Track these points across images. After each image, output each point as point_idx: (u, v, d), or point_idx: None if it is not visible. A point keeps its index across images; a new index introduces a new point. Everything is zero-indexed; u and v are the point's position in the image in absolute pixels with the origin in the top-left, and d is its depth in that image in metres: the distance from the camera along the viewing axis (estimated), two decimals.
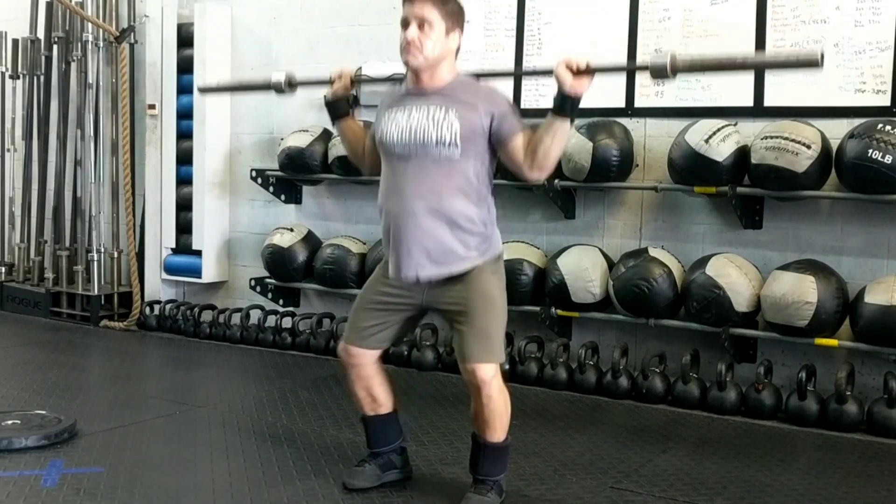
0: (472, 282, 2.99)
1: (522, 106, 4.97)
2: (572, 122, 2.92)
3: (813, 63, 2.65)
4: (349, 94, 3.32)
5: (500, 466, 3.10)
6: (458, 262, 2.98)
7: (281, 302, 5.84)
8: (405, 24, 2.93)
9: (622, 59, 4.74)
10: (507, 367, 4.57)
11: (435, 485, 3.30)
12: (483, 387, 2.93)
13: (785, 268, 4.24)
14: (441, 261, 2.97)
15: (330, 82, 3.29)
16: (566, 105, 2.86)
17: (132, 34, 6.32)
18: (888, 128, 3.97)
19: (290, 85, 3.46)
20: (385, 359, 5.11)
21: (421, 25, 2.90)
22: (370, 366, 3.17)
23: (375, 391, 3.21)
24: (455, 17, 2.97)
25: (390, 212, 3.02)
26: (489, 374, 2.93)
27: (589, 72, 2.84)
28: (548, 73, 2.93)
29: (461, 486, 3.26)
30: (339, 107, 3.31)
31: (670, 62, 2.77)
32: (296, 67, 5.83)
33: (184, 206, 6.16)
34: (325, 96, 3.33)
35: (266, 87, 3.52)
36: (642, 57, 4.62)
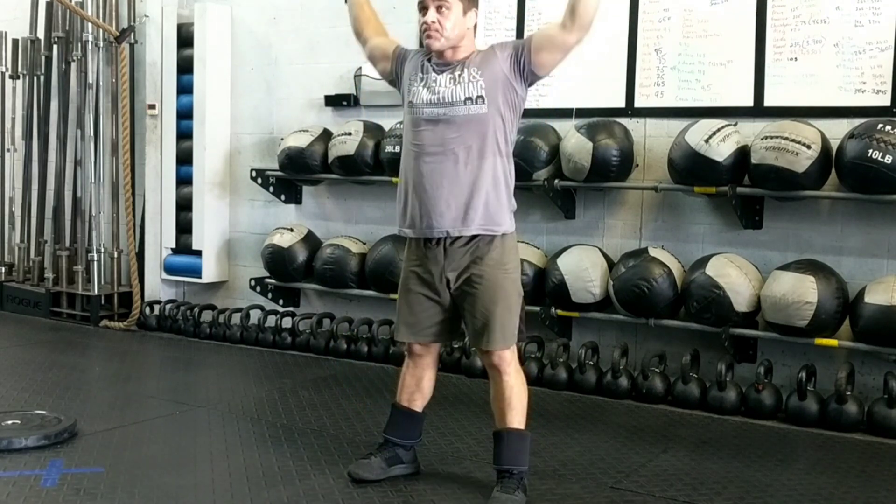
0: (491, 268, 3.09)
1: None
2: None
3: None
4: None
5: (523, 456, 3.13)
6: (490, 222, 3.08)
7: (281, 302, 5.84)
8: (423, 8, 3.04)
9: (623, 59, 4.76)
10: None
11: (434, 485, 3.29)
12: (502, 365, 3.08)
13: (785, 268, 4.24)
14: (473, 219, 3.06)
15: None
16: None
17: (132, 34, 6.31)
18: (888, 128, 3.97)
19: None
20: (386, 359, 5.17)
21: (439, 8, 3.01)
22: (429, 358, 3.29)
23: (424, 384, 3.31)
24: None
25: (422, 172, 3.10)
26: (507, 357, 3.08)
27: None
28: None
29: (461, 485, 3.27)
30: None
31: None
32: (295, 67, 5.88)
33: (184, 206, 6.16)
34: None
35: None
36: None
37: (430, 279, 3.16)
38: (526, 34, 5.04)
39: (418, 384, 3.30)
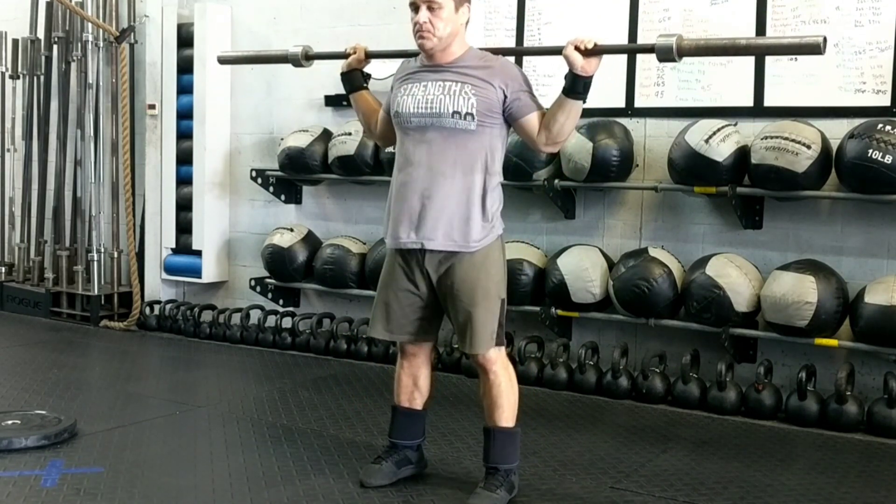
0: (472, 270, 3.04)
1: None
2: (584, 101, 2.98)
3: (815, 49, 2.72)
4: (363, 68, 3.38)
5: (510, 454, 3.12)
6: (463, 239, 3.02)
7: (281, 302, 5.84)
8: (414, 7, 2.98)
9: (623, 59, 4.76)
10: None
11: (435, 485, 3.29)
12: (487, 364, 3.07)
13: (785, 268, 4.24)
14: (448, 234, 3.02)
15: (345, 56, 3.36)
16: (578, 85, 2.94)
17: (132, 34, 6.31)
18: (888, 128, 3.97)
19: (307, 58, 3.56)
20: (386, 359, 5.16)
21: (430, 7, 2.94)
22: (422, 357, 3.26)
23: (420, 383, 3.28)
24: None
25: (403, 182, 3.07)
26: (492, 356, 3.07)
27: (597, 52, 2.92)
28: (556, 51, 2.99)
29: (461, 486, 3.27)
30: (354, 78, 3.37)
31: (676, 44, 2.82)
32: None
33: (184, 206, 6.16)
34: (341, 68, 3.38)
35: (283, 59, 3.61)
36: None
37: (410, 274, 3.12)
38: (526, 34, 5.06)
39: (415, 383, 3.28)
